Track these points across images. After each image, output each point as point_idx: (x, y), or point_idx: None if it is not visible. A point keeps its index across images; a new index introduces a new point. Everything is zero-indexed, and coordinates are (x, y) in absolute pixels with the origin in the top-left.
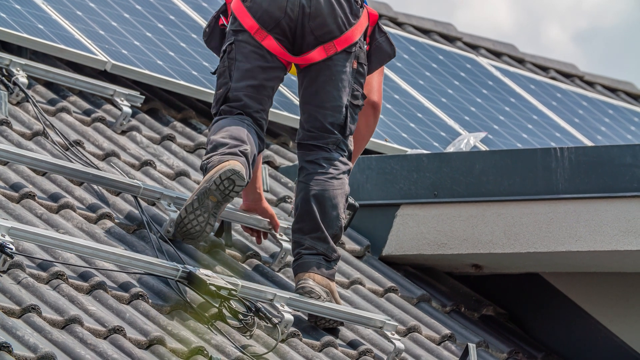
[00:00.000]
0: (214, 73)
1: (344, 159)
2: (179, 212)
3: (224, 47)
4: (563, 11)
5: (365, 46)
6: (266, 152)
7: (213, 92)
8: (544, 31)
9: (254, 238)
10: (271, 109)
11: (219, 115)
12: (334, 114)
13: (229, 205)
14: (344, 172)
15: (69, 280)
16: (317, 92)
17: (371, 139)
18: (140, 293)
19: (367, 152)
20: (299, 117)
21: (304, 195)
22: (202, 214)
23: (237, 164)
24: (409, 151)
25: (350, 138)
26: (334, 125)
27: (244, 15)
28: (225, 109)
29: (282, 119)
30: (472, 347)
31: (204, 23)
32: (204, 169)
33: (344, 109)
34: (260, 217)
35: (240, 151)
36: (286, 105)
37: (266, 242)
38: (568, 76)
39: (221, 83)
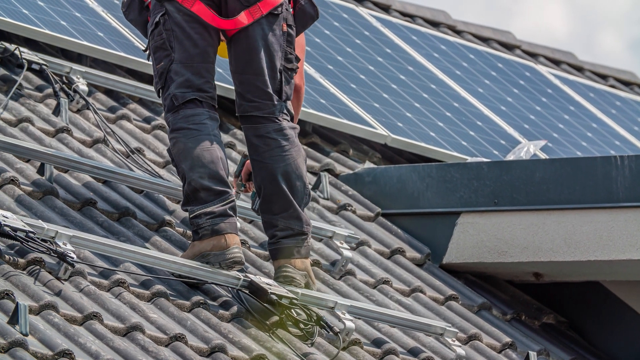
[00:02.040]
0: (145, 50)
1: (291, 124)
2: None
3: (155, 19)
4: (618, 19)
5: (291, 10)
6: (326, 159)
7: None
8: (599, 39)
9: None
10: (331, 117)
11: (171, 105)
12: (271, 79)
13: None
14: (294, 137)
15: (130, 288)
16: (251, 59)
17: (432, 147)
18: (201, 301)
19: (427, 160)
20: (360, 125)
21: (266, 175)
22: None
23: (236, 248)
24: (469, 159)
25: (290, 102)
26: (273, 90)
27: None
28: (177, 95)
29: (342, 127)
30: (533, 355)
31: None
32: (195, 224)
33: (278, 74)
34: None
35: (230, 208)
36: (346, 113)
37: (327, 250)
38: (627, 84)
39: (161, 56)
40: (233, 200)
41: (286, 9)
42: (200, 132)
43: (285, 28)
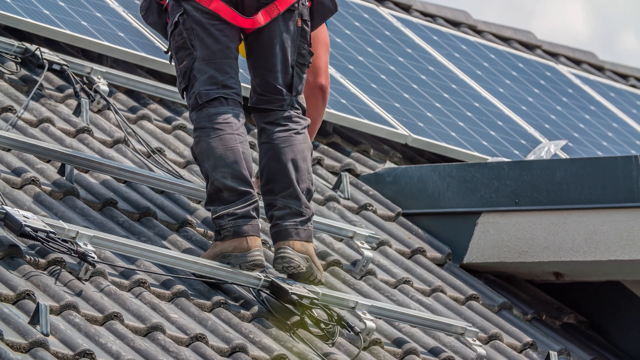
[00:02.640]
0: (167, 52)
1: (301, 115)
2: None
3: (174, 19)
4: (639, 19)
5: (307, 2)
6: (346, 159)
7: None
8: (620, 39)
9: (336, 245)
10: (352, 117)
11: (196, 103)
12: (283, 75)
13: None
14: (304, 127)
15: (151, 288)
16: (265, 55)
17: (452, 147)
18: (222, 301)
19: (448, 160)
20: (380, 125)
21: (271, 155)
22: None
23: (258, 250)
24: (490, 159)
25: (302, 96)
26: (284, 87)
27: None
28: (201, 92)
29: (363, 127)
30: (553, 355)
31: None
32: (217, 224)
33: (290, 69)
34: None
35: (253, 209)
36: (367, 113)
37: (347, 250)
38: None
39: (183, 56)
40: (256, 201)
41: (302, 4)
42: (224, 131)
43: (300, 23)
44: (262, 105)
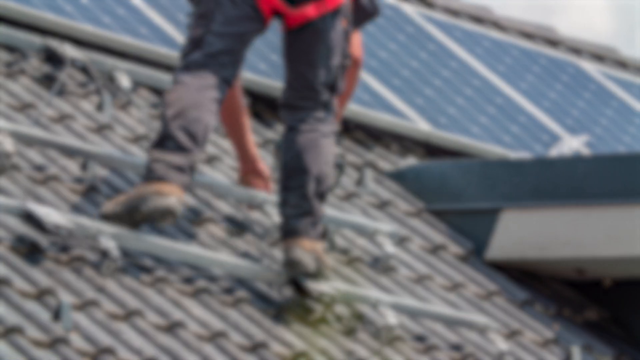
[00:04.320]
0: (189, 15)
1: (332, 119)
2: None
3: None
4: None
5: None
6: (369, 155)
7: None
8: None
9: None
10: (374, 112)
11: (189, 64)
12: (325, 73)
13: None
14: (332, 132)
15: (174, 284)
16: (308, 51)
17: (474, 142)
18: (244, 297)
19: (469, 155)
20: (403, 121)
21: (294, 154)
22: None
23: (175, 198)
24: (512, 155)
25: (336, 99)
26: (324, 85)
27: None
28: (198, 60)
29: (385, 123)
30: (576, 350)
31: None
32: (148, 167)
33: (334, 69)
34: (253, 192)
35: (190, 166)
36: (389, 108)
37: (370, 246)
38: None
39: (200, 24)
40: (195, 162)
41: (347, 4)
42: (202, 94)
43: (345, 24)
44: (297, 102)
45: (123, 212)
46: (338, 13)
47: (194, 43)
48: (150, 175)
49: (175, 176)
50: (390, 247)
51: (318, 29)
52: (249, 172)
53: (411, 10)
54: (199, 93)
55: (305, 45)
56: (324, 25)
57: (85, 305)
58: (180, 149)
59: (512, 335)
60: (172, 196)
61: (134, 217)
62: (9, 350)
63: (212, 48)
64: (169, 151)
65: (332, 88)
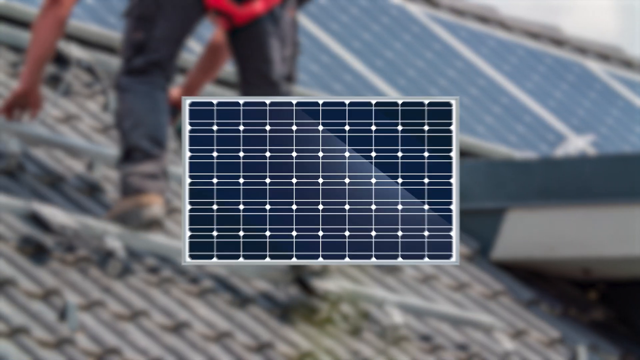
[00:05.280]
0: (126, 14)
1: None
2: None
3: None
4: None
5: None
6: None
7: None
8: None
9: None
10: None
11: (132, 70)
12: (281, 66)
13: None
14: None
15: (179, 284)
16: (261, 46)
17: (480, 142)
18: (250, 297)
19: (475, 155)
20: None
21: None
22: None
23: (157, 206)
24: (517, 155)
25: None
26: (282, 78)
27: None
28: (141, 66)
29: None
30: (582, 350)
31: None
32: (123, 182)
33: (288, 60)
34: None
35: (162, 171)
36: None
37: None
38: None
39: (140, 27)
40: (165, 165)
41: None
42: (151, 97)
43: (292, 14)
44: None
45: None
46: (285, 4)
47: (136, 48)
48: (127, 190)
49: (151, 184)
50: None
51: (268, 24)
52: (25, 92)
53: (417, 10)
54: (150, 97)
55: (257, 42)
56: (273, 19)
57: (91, 306)
58: (148, 157)
59: (518, 335)
60: (154, 205)
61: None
62: (15, 350)
63: (156, 55)
64: (138, 162)
65: (290, 78)
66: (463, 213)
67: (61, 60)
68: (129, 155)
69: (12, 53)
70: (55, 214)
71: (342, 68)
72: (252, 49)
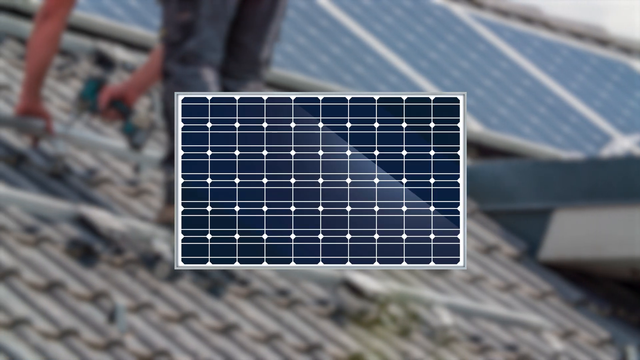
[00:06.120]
0: None
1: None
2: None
3: None
4: None
5: None
6: None
7: None
8: None
9: None
10: None
11: (186, 55)
12: (268, 49)
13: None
14: None
15: (228, 286)
16: (261, 25)
17: (526, 142)
18: (299, 298)
19: (522, 156)
20: None
21: None
22: None
23: None
24: (564, 155)
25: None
26: (265, 61)
27: None
28: (194, 49)
29: None
30: (631, 350)
31: None
32: (169, 187)
33: (272, 46)
34: (35, 120)
35: None
36: None
37: None
38: None
39: (186, 7)
40: None
41: None
42: (212, 87)
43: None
44: (238, 73)
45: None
46: None
47: (184, 29)
48: (171, 198)
49: None
50: None
51: (274, 4)
52: (27, 110)
53: (461, 10)
54: (213, 86)
55: (259, 19)
56: (280, 2)
57: (140, 308)
58: None
59: (567, 335)
60: None
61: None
62: (65, 352)
63: (205, 34)
64: None
65: (268, 63)
66: (510, 214)
67: (106, 62)
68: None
69: (58, 56)
70: (103, 217)
71: (387, 69)
72: (251, 25)
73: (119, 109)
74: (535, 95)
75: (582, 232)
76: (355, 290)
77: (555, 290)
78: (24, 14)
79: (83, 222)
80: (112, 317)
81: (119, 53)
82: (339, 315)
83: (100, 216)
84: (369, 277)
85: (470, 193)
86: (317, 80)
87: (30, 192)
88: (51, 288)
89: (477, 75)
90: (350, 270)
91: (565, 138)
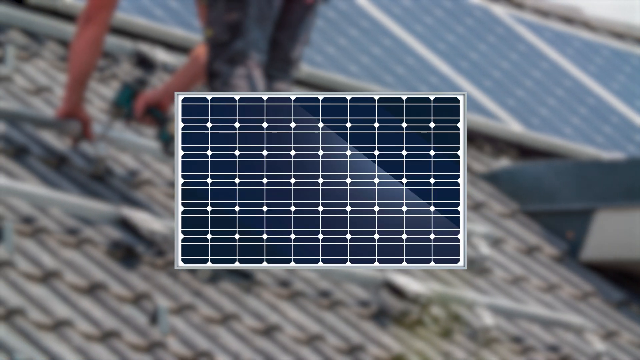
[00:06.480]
0: None
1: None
2: None
3: None
4: None
5: None
6: None
7: None
8: None
9: None
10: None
11: (235, 56)
12: (299, 49)
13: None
14: None
15: (270, 287)
16: (297, 24)
17: (567, 143)
18: (340, 299)
19: (562, 156)
20: (495, 122)
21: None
22: None
23: None
24: (605, 155)
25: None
26: (296, 61)
27: None
28: (242, 49)
29: (478, 124)
30: None
31: None
32: None
33: (302, 48)
34: (73, 123)
35: None
36: (481, 109)
37: None
38: None
39: (234, 7)
40: None
41: None
42: (262, 87)
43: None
44: (269, 71)
45: None
46: None
47: (232, 30)
48: None
49: None
50: (485, 249)
51: (313, 7)
52: (69, 113)
53: (501, 11)
54: (261, 87)
55: (295, 18)
56: (317, 5)
57: (181, 309)
58: None
59: (609, 336)
60: None
61: None
62: (107, 354)
63: (253, 35)
64: None
65: (298, 63)
66: (551, 214)
67: (147, 64)
68: None
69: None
70: (144, 219)
71: (427, 70)
72: (289, 23)
73: (155, 115)
74: (576, 95)
75: (623, 232)
76: (397, 291)
77: (596, 290)
78: (65, 16)
79: (124, 224)
80: (154, 318)
81: (160, 54)
82: (380, 316)
83: (141, 218)
84: (410, 278)
85: (511, 194)
86: (357, 81)
87: (71, 193)
88: (93, 290)
89: (518, 75)
90: (392, 271)
91: (606, 138)
